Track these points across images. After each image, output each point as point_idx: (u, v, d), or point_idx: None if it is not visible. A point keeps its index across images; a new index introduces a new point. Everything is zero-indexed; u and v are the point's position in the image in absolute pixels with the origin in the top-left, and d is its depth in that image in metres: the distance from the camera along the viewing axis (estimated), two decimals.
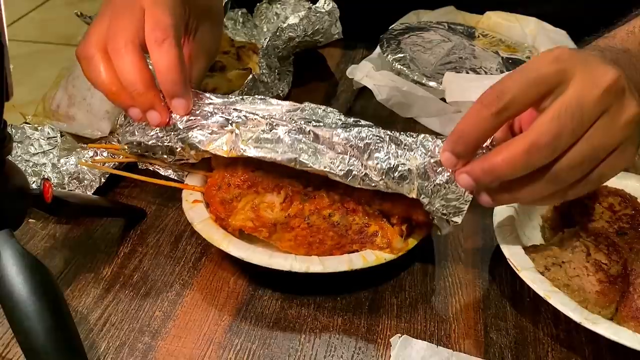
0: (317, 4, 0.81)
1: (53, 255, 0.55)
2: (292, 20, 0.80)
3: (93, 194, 0.60)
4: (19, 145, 0.61)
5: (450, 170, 0.47)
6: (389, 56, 0.79)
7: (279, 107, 0.55)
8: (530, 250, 0.52)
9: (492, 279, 0.54)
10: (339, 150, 0.49)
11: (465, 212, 0.49)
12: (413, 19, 0.91)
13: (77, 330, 0.42)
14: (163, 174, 0.59)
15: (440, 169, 0.48)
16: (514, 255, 0.50)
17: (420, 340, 0.47)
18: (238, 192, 0.52)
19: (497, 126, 0.44)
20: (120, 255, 0.55)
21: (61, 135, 0.62)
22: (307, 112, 0.55)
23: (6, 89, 0.38)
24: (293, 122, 0.51)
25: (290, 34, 0.77)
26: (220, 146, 0.52)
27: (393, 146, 0.49)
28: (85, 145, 0.63)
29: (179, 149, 0.54)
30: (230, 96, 0.57)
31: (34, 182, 0.59)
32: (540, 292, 0.47)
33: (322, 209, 0.51)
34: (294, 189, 0.52)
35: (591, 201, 0.58)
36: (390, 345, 0.47)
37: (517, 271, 0.49)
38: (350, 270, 0.49)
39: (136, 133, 0.55)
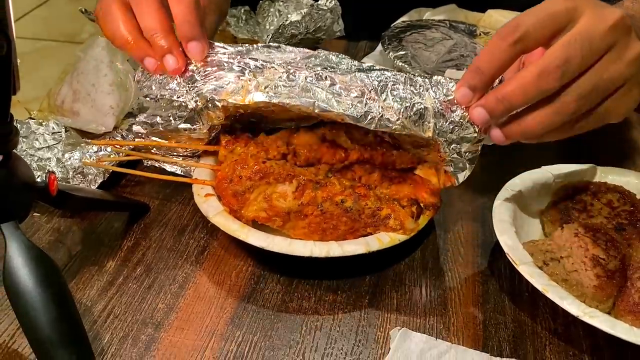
0: (319, 2, 0.82)
1: (57, 248, 0.56)
2: (295, 17, 0.80)
3: (97, 188, 0.60)
4: (24, 140, 0.62)
5: (465, 107, 0.49)
6: (391, 53, 0.80)
7: (293, 55, 0.57)
8: (529, 245, 0.53)
9: (491, 273, 0.55)
10: (356, 94, 0.51)
11: (479, 153, 0.52)
12: (415, 17, 0.91)
13: (81, 322, 0.42)
14: (169, 169, 0.60)
15: (455, 107, 0.50)
16: (512, 250, 0.51)
17: (419, 333, 0.47)
18: (250, 183, 0.53)
19: (514, 57, 0.46)
20: (124, 249, 0.56)
21: (65, 131, 0.63)
22: (321, 58, 0.56)
23: (14, 83, 0.38)
24: (309, 68, 0.53)
25: (292, 31, 0.77)
26: (237, 93, 0.53)
27: (409, 86, 0.51)
28: (90, 140, 0.63)
29: (195, 104, 0.54)
30: (244, 45, 0.58)
31: (38, 177, 0.59)
32: (539, 286, 0.47)
33: (335, 196, 0.53)
34: (305, 178, 0.53)
35: (590, 197, 0.58)
36: (390, 338, 0.47)
37: (515, 265, 0.49)
38: (367, 253, 0.51)
39: (153, 87, 0.56)
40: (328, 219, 0.52)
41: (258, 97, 0.52)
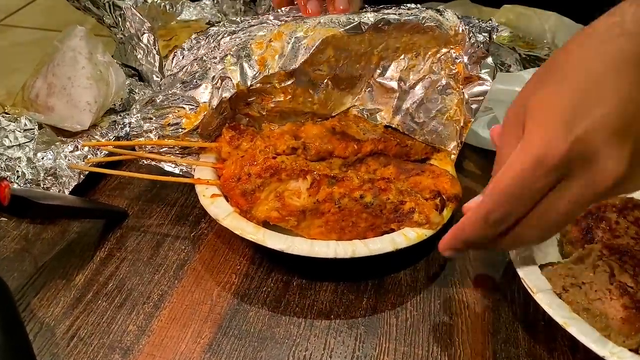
0: None
1: (23, 258, 0.51)
2: None
3: (71, 191, 0.55)
4: None
5: None
6: None
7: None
8: (546, 268, 0.47)
9: (503, 298, 0.49)
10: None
11: None
12: None
13: (34, 355, 0.37)
14: (167, 169, 0.55)
15: None
16: (528, 274, 0.45)
17: None
18: (260, 181, 0.49)
19: (495, 234, 0.40)
20: (96, 260, 0.51)
21: (39, 128, 0.58)
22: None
23: None
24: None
25: None
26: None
27: None
28: (65, 139, 0.58)
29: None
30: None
31: (7, 178, 0.55)
32: (559, 320, 0.41)
33: (353, 191, 0.49)
34: (320, 173, 0.49)
35: (615, 215, 0.52)
36: None
37: (532, 293, 0.44)
38: (395, 251, 0.47)
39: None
40: (347, 216, 0.49)
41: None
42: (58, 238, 0.53)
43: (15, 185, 0.54)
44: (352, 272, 0.50)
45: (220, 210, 0.49)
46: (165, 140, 0.54)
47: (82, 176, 0.56)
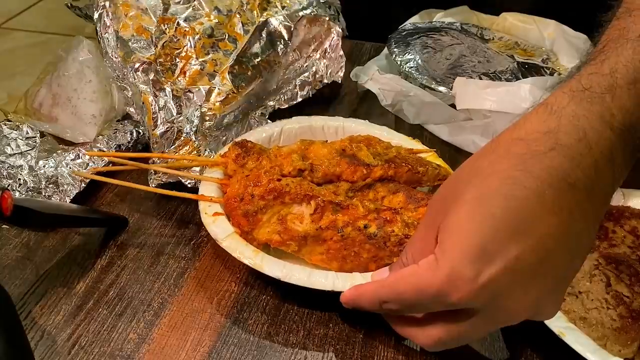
0: None
1: (25, 265, 0.51)
2: None
3: (72, 199, 0.56)
4: None
5: None
6: (397, 58, 0.75)
7: None
8: None
9: None
10: None
11: None
12: (424, 19, 0.86)
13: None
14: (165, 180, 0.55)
15: None
16: None
17: None
18: (263, 203, 0.48)
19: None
20: (97, 268, 0.51)
21: (41, 136, 0.58)
22: None
23: None
24: None
25: None
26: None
27: None
28: (67, 147, 0.59)
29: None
30: None
31: (8, 186, 0.55)
32: (554, 329, 0.42)
33: (357, 220, 0.48)
34: (325, 199, 0.48)
35: (612, 224, 0.53)
36: None
37: None
38: None
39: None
40: (349, 246, 0.47)
41: None
42: (59, 246, 0.53)
43: (17, 194, 0.54)
44: None
45: (220, 230, 0.48)
46: (172, 154, 0.54)
47: (83, 184, 0.56)
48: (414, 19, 0.85)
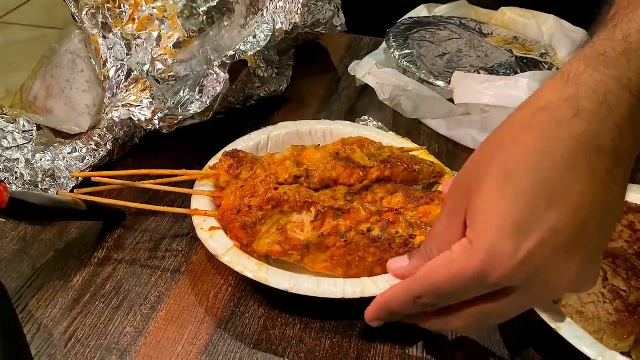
0: None
1: (21, 259, 0.51)
2: None
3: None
4: None
5: None
6: (395, 52, 0.74)
7: None
8: None
9: None
10: None
11: None
12: (423, 13, 0.85)
13: (31, 356, 0.37)
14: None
15: None
16: None
17: None
18: (261, 214, 0.47)
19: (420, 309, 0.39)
20: (94, 262, 0.51)
21: (38, 129, 0.58)
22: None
23: None
24: None
25: None
26: None
27: None
28: (64, 140, 0.59)
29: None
30: None
31: (5, 179, 0.55)
32: (551, 324, 0.42)
33: (359, 224, 0.47)
34: (325, 205, 0.47)
35: None
36: None
37: None
38: None
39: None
40: (353, 251, 0.46)
41: None
42: (56, 240, 0.53)
43: (14, 187, 0.54)
44: None
45: (219, 245, 0.47)
46: (161, 170, 0.52)
47: (79, 178, 0.56)
48: (413, 14, 0.85)
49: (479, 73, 0.71)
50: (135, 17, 0.60)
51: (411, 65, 0.72)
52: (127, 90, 0.57)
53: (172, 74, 0.58)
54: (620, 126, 0.34)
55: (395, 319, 0.41)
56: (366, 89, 0.74)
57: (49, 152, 0.56)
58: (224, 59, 0.58)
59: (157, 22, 0.60)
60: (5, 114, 0.60)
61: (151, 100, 0.56)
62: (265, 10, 0.67)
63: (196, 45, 0.60)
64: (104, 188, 0.52)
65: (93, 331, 0.45)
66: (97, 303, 0.47)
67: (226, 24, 0.64)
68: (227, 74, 0.58)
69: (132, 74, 0.57)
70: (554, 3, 0.82)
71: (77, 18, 0.59)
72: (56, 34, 0.65)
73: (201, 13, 0.62)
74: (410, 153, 0.57)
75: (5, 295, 0.38)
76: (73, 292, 0.48)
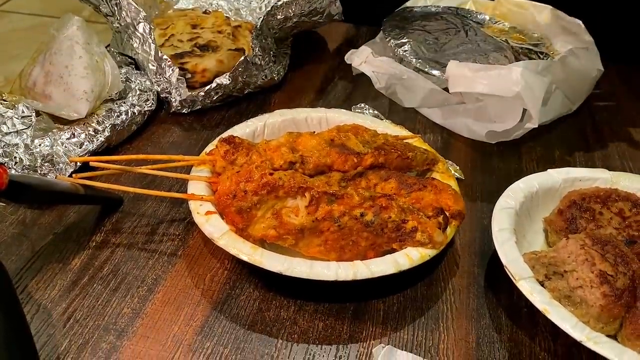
0: None
1: (21, 242, 0.52)
2: None
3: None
4: None
5: None
6: (391, 41, 0.75)
7: None
8: (529, 256, 0.48)
9: (488, 285, 0.50)
10: None
11: None
12: (420, 3, 0.86)
13: (31, 335, 0.38)
14: None
15: None
16: (511, 262, 0.46)
17: (404, 352, 0.43)
18: (257, 199, 0.47)
19: None
20: (92, 245, 0.52)
21: (37, 115, 0.58)
22: None
23: None
24: None
25: (285, 13, 0.72)
26: None
27: None
28: (62, 126, 0.59)
29: None
30: None
31: (4, 164, 0.56)
32: (539, 306, 0.43)
33: (353, 209, 0.47)
34: (319, 190, 0.48)
35: (599, 205, 0.54)
36: (373, 357, 0.43)
37: (514, 281, 0.45)
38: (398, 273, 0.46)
39: None
40: (347, 235, 0.47)
41: None
42: (55, 223, 0.54)
43: (13, 171, 0.55)
44: None
45: (215, 229, 0.47)
46: (158, 155, 0.52)
47: (77, 163, 0.57)
48: (410, 3, 0.85)
49: (474, 62, 0.72)
50: None
51: (407, 55, 0.73)
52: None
53: None
54: None
55: None
56: (363, 78, 0.74)
57: (48, 138, 0.57)
58: None
59: None
60: (4, 100, 0.61)
61: None
62: None
63: None
64: (102, 173, 0.52)
65: (91, 312, 0.46)
66: (95, 285, 0.48)
67: None
68: None
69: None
70: None
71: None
72: (55, 22, 0.65)
73: None
74: (405, 140, 0.58)
75: (6, 276, 0.39)
76: (72, 274, 0.49)
